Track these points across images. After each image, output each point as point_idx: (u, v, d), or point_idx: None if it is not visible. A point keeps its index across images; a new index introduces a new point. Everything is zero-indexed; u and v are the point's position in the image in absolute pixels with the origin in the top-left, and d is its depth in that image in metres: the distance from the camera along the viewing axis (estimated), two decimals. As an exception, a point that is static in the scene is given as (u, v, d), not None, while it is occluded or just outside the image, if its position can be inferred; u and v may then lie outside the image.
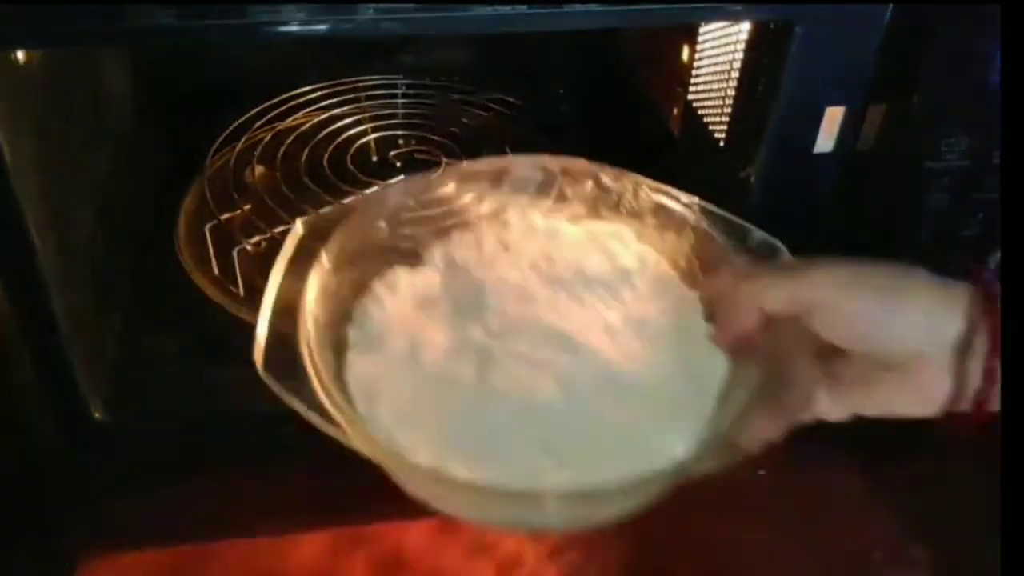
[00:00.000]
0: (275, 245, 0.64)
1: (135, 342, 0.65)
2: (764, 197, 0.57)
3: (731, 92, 0.61)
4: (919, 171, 0.54)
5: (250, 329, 0.63)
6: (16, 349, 0.54)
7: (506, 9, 0.46)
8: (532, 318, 0.46)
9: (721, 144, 0.63)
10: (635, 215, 0.50)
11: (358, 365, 0.46)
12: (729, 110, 0.61)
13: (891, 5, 0.50)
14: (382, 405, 0.44)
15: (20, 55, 0.50)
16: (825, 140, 0.55)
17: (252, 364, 0.62)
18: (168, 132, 0.75)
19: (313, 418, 0.41)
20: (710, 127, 0.65)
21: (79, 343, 0.57)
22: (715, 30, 0.64)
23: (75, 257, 0.56)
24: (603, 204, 0.50)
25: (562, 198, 0.50)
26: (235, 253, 0.64)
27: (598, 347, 0.45)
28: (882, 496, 0.66)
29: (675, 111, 0.71)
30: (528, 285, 0.48)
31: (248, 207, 0.66)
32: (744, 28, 0.58)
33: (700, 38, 0.66)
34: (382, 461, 0.41)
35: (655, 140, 0.76)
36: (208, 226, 0.65)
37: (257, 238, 0.64)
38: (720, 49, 0.63)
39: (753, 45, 0.57)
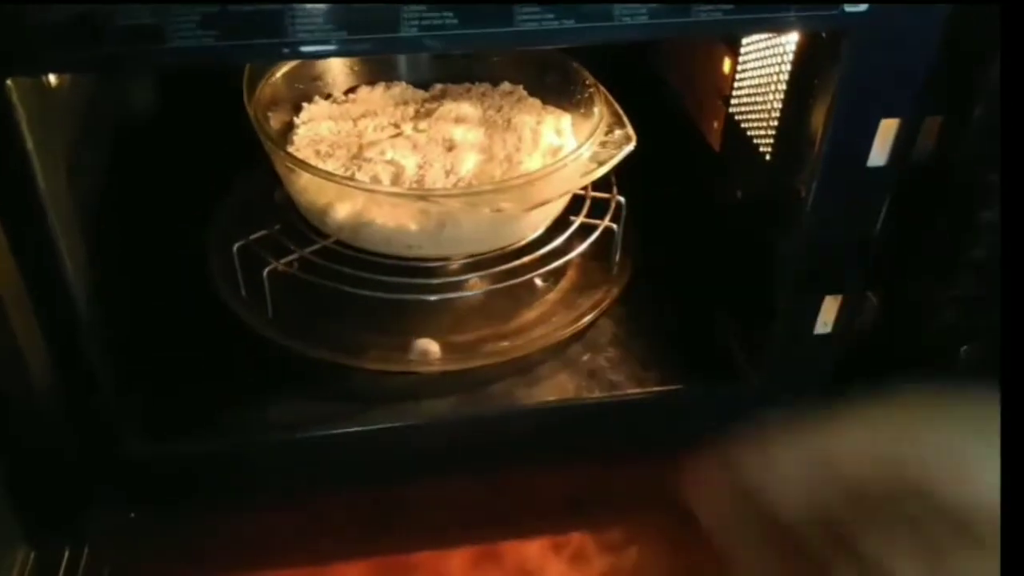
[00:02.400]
0: (306, 265, 0.63)
1: (165, 366, 0.64)
2: (816, 210, 0.55)
3: (777, 105, 0.59)
4: (979, 184, 0.52)
5: (280, 352, 0.63)
6: (45, 374, 0.53)
7: (552, 24, 0.45)
8: (448, 128, 0.69)
9: (768, 158, 0.61)
10: (576, 107, 0.71)
11: (320, 105, 0.72)
12: (776, 123, 0.59)
13: (947, 13, 0.49)
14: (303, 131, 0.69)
15: (52, 79, 0.49)
16: (879, 153, 0.53)
17: (285, 388, 0.62)
18: (194, 151, 0.74)
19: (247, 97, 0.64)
20: (755, 140, 0.63)
21: (108, 367, 0.56)
22: (759, 41, 0.62)
23: (103, 279, 0.55)
24: (564, 95, 0.72)
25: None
26: (265, 274, 0.63)
27: (465, 159, 0.66)
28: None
29: (715, 124, 0.69)
30: (470, 116, 0.71)
31: (277, 227, 0.65)
32: (791, 39, 0.56)
33: (743, 49, 0.64)
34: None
35: (694, 153, 0.74)
36: (236, 246, 0.64)
37: (289, 258, 0.63)
38: (765, 60, 0.61)
39: (802, 56, 0.55)
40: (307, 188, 0.64)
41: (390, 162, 0.65)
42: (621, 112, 0.66)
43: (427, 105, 0.74)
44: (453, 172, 0.65)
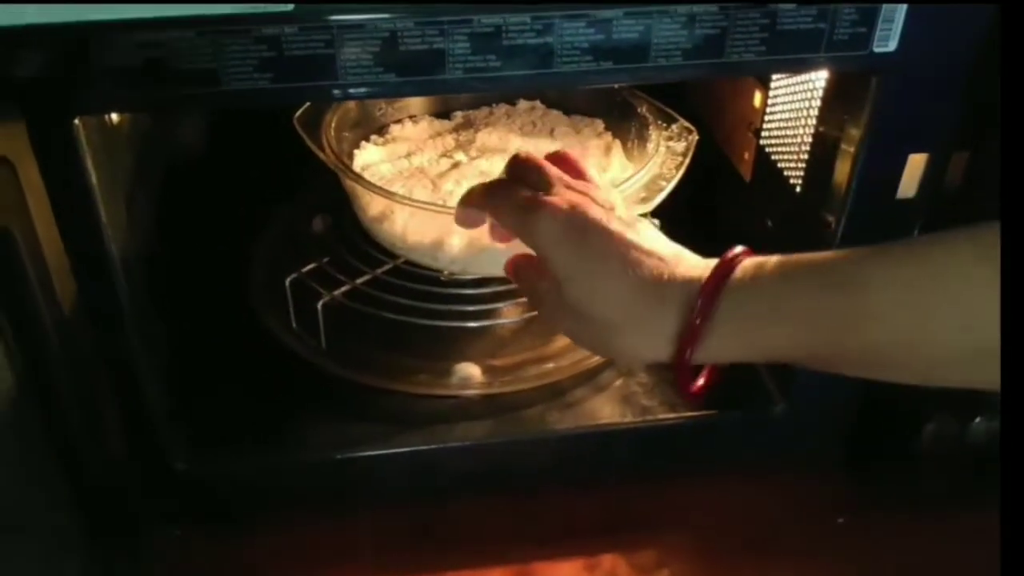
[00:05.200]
0: (352, 294, 0.65)
1: (213, 390, 0.66)
2: (845, 241, 0.56)
3: (807, 138, 0.60)
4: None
5: (326, 376, 0.65)
6: (101, 400, 0.55)
7: (591, 65, 0.47)
8: (503, 150, 0.72)
9: (798, 189, 0.62)
10: (608, 112, 0.75)
11: (369, 150, 0.73)
12: (806, 156, 0.61)
13: (975, 49, 0.50)
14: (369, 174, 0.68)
15: (114, 117, 0.52)
16: (908, 186, 0.54)
17: (331, 411, 0.64)
18: (237, 185, 0.77)
19: (318, 151, 0.64)
20: (785, 172, 0.64)
21: (159, 394, 0.58)
22: (789, 76, 0.63)
23: (154, 306, 0.57)
24: (586, 103, 0.77)
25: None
26: (319, 305, 0.64)
27: None
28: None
29: (746, 155, 0.71)
30: (513, 135, 0.75)
31: (325, 259, 0.67)
32: (821, 75, 0.58)
33: (773, 84, 0.66)
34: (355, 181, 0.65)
35: (725, 183, 0.75)
36: (288, 280, 0.66)
37: (343, 289, 0.65)
38: (795, 95, 0.62)
39: (832, 93, 0.57)
40: (407, 229, 0.65)
41: None
42: (667, 108, 0.69)
43: (462, 133, 0.76)
44: None
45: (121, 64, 0.43)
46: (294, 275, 0.65)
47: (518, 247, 0.62)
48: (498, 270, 0.65)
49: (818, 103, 0.58)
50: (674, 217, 0.71)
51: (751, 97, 0.69)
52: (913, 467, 0.66)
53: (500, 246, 0.62)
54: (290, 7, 0.43)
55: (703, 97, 0.81)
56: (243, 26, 0.43)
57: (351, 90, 0.46)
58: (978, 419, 0.63)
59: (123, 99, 0.45)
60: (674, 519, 0.67)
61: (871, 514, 0.67)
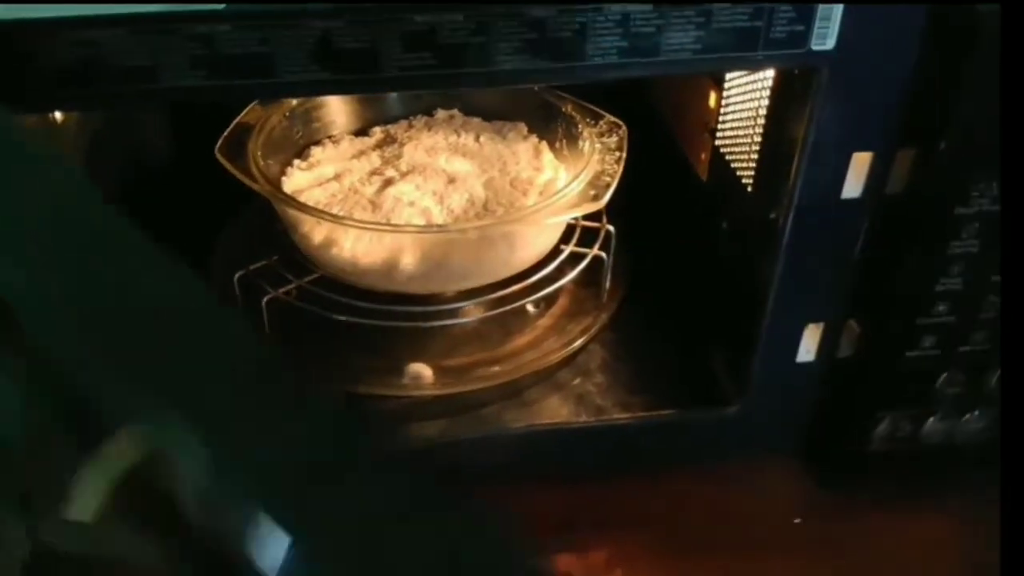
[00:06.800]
0: (304, 295, 0.65)
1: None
2: (793, 242, 0.56)
3: (757, 138, 0.60)
4: (949, 217, 0.54)
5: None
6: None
7: (527, 64, 0.47)
8: (433, 162, 0.72)
9: (749, 189, 0.62)
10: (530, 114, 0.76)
11: (296, 176, 0.71)
12: (756, 156, 0.61)
13: (916, 48, 0.50)
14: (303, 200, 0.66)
15: (58, 116, 0.52)
16: (853, 186, 0.54)
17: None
18: (200, 182, 0.77)
19: (244, 178, 0.63)
20: (738, 173, 0.65)
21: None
22: (741, 76, 0.64)
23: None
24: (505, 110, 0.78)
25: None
26: (264, 302, 0.64)
27: (474, 185, 0.70)
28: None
29: (703, 156, 0.71)
30: (439, 145, 0.74)
31: (275, 258, 0.67)
32: (768, 74, 0.58)
33: (726, 84, 0.66)
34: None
35: (683, 183, 0.76)
36: (236, 276, 0.66)
37: (286, 287, 0.65)
38: (746, 95, 0.63)
39: (778, 92, 0.57)
40: (356, 253, 0.64)
41: (411, 204, 0.67)
42: (591, 106, 0.70)
43: (386, 149, 0.75)
44: (475, 198, 0.68)
45: (55, 63, 0.43)
46: (241, 272, 0.65)
47: (475, 259, 0.63)
48: (458, 283, 0.65)
49: (766, 103, 0.59)
50: (633, 219, 0.72)
51: (707, 98, 0.69)
52: (869, 466, 0.66)
53: (456, 259, 0.63)
54: (221, 6, 0.43)
55: (665, 97, 0.81)
56: (176, 24, 0.43)
57: (286, 88, 0.46)
58: (931, 419, 0.63)
59: (60, 98, 0.46)
60: (629, 518, 0.66)
61: (827, 513, 0.67)
